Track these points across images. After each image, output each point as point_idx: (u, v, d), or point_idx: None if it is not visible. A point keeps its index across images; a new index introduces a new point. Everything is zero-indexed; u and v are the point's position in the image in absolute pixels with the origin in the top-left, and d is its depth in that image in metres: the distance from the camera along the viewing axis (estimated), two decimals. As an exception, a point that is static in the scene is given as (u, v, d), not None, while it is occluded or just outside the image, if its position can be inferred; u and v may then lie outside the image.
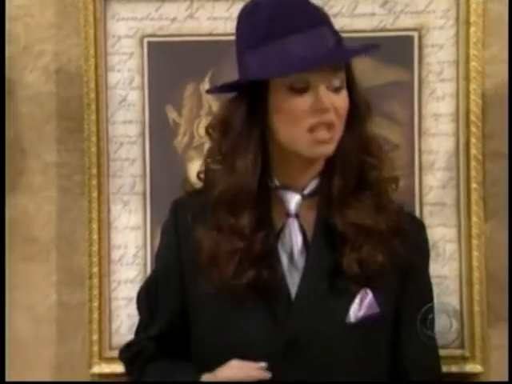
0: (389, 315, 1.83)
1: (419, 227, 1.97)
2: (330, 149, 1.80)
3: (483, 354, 2.30)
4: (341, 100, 1.79)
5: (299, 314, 1.79)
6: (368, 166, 1.86)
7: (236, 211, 1.81)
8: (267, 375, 1.74)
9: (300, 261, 1.82)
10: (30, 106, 2.44)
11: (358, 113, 1.84)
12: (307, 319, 1.77)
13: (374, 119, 1.93)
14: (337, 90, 1.78)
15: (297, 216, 1.83)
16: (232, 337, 1.80)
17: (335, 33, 1.84)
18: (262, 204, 1.83)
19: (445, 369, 2.12)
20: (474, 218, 2.28)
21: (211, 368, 1.75)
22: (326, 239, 1.82)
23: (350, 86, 1.84)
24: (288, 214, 1.82)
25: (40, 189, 2.41)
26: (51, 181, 2.41)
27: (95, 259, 2.23)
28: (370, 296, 1.79)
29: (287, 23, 1.81)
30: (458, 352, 2.27)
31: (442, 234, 2.27)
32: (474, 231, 2.28)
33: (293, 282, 1.80)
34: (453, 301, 2.36)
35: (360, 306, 1.79)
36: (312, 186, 1.82)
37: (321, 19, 1.84)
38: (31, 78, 2.43)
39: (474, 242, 2.27)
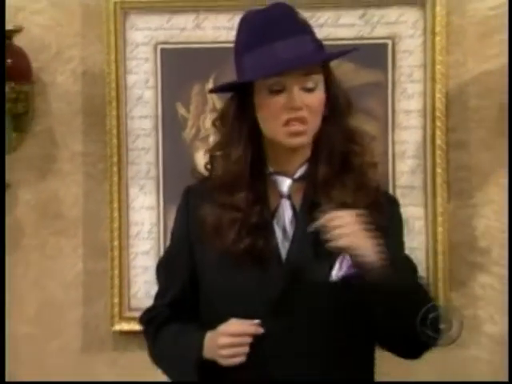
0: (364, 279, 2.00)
1: (393, 202, 2.14)
2: (303, 139, 1.97)
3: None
4: (313, 99, 1.96)
5: (289, 273, 1.95)
6: (352, 153, 2.01)
7: (234, 191, 1.98)
8: (260, 330, 1.89)
9: (291, 233, 2.00)
10: (60, 103, 2.70)
11: (337, 108, 1.99)
12: (295, 278, 1.94)
13: (355, 114, 2.04)
14: (310, 91, 1.94)
15: (289, 197, 2.00)
16: (232, 295, 1.96)
17: (315, 40, 2.00)
18: (259, 187, 2.00)
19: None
20: (439, 199, 2.53)
21: (216, 327, 1.90)
22: (311, 215, 1.92)
23: (329, 85, 1.99)
24: (281, 195, 1.97)
25: (68, 174, 2.68)
26: (78, 167, 2.69)
27: (116, 234, 2.48)
28: (347, 259, 1.90)
29: (271, 32, 1.97)
30: None
31: (411, 212, 2.48)
32: (439, 210, 2.54)
33: (284, 249, 1.97)
34: (420, 270, 2.56)
35: (340, 268, 1.91)
36: (301, 171, 1.98)
37: (302, 29, 2.01)
38: (61, 80, 2.69)
39: (439, 219, 2.54)
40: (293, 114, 1.92)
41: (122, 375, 2.61)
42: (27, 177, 2.73)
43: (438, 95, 2.59)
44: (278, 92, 1.92)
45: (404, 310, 1.93)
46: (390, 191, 2.53)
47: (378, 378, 2.10)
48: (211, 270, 2.00)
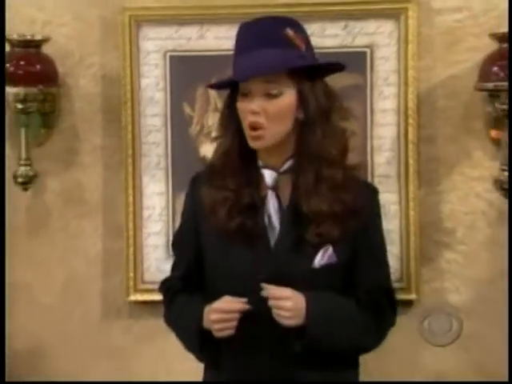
0: (344, 263, 2.18)
1: (372, 194, 2.31)
2: (262, 143, 2.11)
3: (416, 286, 2.73)
4: (274, 105, 2.08)
5: (276, 259, 2.12)
6: (329, 159, 2.14)
7: (226, 176, 2.15)
8: (247, 307, 2.07)
9: (276, 223, 2.16)
10: (82, 103, 2.89)
11: (310, 114, 2.11)
12: (282, 263, 2.12)
13: (345, 118, 2.21)
14: (273, 97, 2.08)
15: (274, 188, 2.15)
16: (227, 273, 2.16)
17: (290, 52, 2.12)
18: (252, 176, 2.18)
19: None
20: (411, 186, 2.73)
21: (216, 299, 2.10)
22: (296, 213, 2.14)
23: (301, 93, 2.12)
24: (268, 187, 2.15)
25: (89, 165, 2.88)
26: (98, 159, 2.89)
27: (131, 217, 2.71)
28: (330, 250, 2.12)
29: (252, 42, 2.15)
30: (399, 285, 2.61)
31: (387, 198, 2.65)
32: (411, 196, 2.74)
33: (273, 238, 2.14)
34: (394, 249, 2.71)
35: (323, 257, 2.13)
36: (287, 165, 2.13)
37: (278, 42, 2.14)
38: (83, 83, 2.86)
39: (411, 203, 2.74)
40: (252, 118, 2.08)
41: (137, 341, 2.81)
42: (53, 168, 2.88)
43: (410, 96, 2.77)
44: (246, 95, 2.09)
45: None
46: (369, 180, 2.73)
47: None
48: (212, 249, 2.19)
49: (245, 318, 2.10)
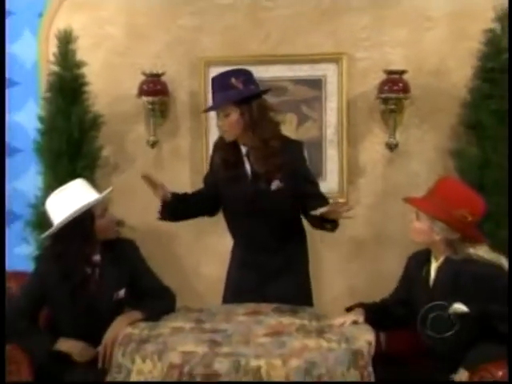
0: (287, 187, 3.22)
1: (297, 145, 3.30)
2: (229, 138, 3.21)
3: (347, 193, 4.04)
4: (227, 121, 3.15)
5: (251, 187, 3.23)
6: (268, 139, 3.17)
7: (222, 149, 3.30)
8: None
9: (249, 170, 3.23)
10: (180, 106, 4.15)
11: (249, 123, 3.15)
12: (255, 189, 3.22)
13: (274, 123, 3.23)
14: (227, 116, 3.14)
15: (246, 155, 3.23)
16: (228, 200, 3.31)
17: (235, 91, 3.13)
18: (237, 150, 3.27)
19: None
20: (344, 146, 4.09)
21: (231, 221, 3.33)
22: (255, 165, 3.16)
23: (242, 112, 3.13)
24: (243, 155, 3.23)
25: (184, 137, 4.20)
26: (188, 134, 4.16)
27: (205, 162, 3.84)
28: (277, 181, 3.21)
29: (213, 90, 3.22)
30: (338, 194, 3.98)
31: (332, 152, 4.09)
32: (344, 151, 4.06)
33: (248, 176, 3.21)
34: (334, 177, 4.00)
35: (276, 183, 3.22)
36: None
37: (229, 86, 3.14)
38: (180, 95, 4.13)
39: (344, 155, 4.08)
40: (220, 127, 3.23)
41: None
42: (166, 137, 4.21)
43: (343, 102, 4.07)
44: (217, 114, 3.22)
45: None
46: (322, 143, 4.07)
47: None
48: (223, 188, 3.34)
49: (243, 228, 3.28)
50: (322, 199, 3.25)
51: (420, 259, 3.15)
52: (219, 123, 3.20)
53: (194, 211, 3.49)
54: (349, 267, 4.18)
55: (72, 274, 3.10)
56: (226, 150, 3.31)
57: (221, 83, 3.22)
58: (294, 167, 3.26)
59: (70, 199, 3.11)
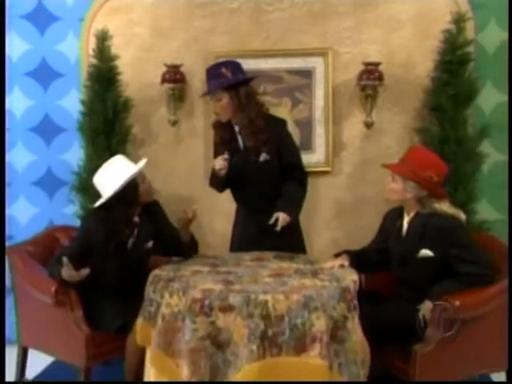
0: (275, 158, 3.26)
1: (281, 122, 3.36)
2: (223, 119, 3.26)
3: (332, 163, 4.00)
4: (219, 104, 3.21)
5: (243, 158, 3.27)
6: (256, 119, 3.22)
7: (219, 128, 3.36)
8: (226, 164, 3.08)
9: (241, 143, 3.27)
10: (193, 91, 4.05)
11: (240, 104, 3.21)
12: (246, 159, 3.26)
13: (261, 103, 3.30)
14: (218, 100, 3.21)
15: (239, 132, 3.30)
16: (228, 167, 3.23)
17: (226, 79, 3.16)
18: (232, 129, 3.32)
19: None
20: (329, 125, 4.01)
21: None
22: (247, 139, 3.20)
23: (232, 97, 3.18)
24: (237, 132, 3.30)
25: (197, 117, 4.12)
26: (201, 115, 4.09)
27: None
28: (265, 154, 3.27)
29: (208, 78, 3.26)
30: (325, 165, 4.00)
31: (320, 130, 4.01)
32: (330, 129, 4.00)
33: (240, 148, 3.25)
34: (323, 147, 3.95)
35: (264, 156, 3.28)
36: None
37: (220, 75, 3.18)
38: (194, 83, 4.04)
39: (330, 131, 3.99)
40: (214, 109, 3.31)
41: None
42: (184, 117, 4.11)
43: (329, 88, 4.01)
44: (211, 100, 3.30)
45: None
46: (312, 122, 3.98)
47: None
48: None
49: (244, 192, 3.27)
50: (299, 169, 3.33)
51: (394, 214, 3.23)
52: (212, 107, 3.24)
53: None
54: (333, 223, 4.21)
55: (117, 234, 3.12)
56: (223, 130, 3.34)
57: (213, 72, 3.23)
58: (278, 141, 3.28)
59: (116, 171, 3.13)
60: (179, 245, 3.26)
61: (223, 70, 3.19)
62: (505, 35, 3.91)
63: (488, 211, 3.96)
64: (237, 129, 3.31)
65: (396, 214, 3.21)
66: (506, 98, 3.90)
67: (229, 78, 3.19)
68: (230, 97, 3.17)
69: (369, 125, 4.03)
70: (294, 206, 3.27)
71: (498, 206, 3.97)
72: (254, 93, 3.30)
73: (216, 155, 3.41)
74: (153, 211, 3.28)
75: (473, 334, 2.85)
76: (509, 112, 3.84)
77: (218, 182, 3.37)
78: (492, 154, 3.99)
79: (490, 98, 3.94)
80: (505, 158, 4.00)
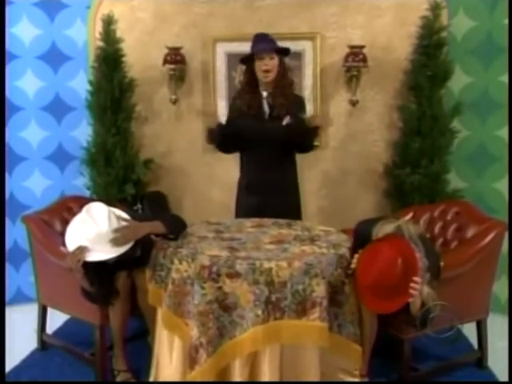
0: (293, 124, 3.07)
1: (300, 98, 3.29)
2: (268, 79, 3.08)
3: (320, 138, 3.68)
4: (273, 62, 3.06)
5: (268, 123, 3.13)
6: (288, 86, 3.17)
7: (247, 94, 3.18)
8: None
9: (267, 109, 3.14)
10: (193, 71, 3.86)
11: (282, 69, 3.13)
12: (270, 125, 3.12)
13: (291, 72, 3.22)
14: (271, 59, 3.05)
15: (266, 97, 3.14)
16: (247, 129, 3.13)
17: (275, 44, 3.10)
18: (258, 94, 3.16)
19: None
20: (318, 102, 3.79)
21: (248, 149, 3.13)
22: (273, 106, 3.08)
23: (280, 60, 3.09)
24: (263, 97, 3.14)
25: (196, 95, 3.92)
26: (199, 93, 3.90)
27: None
28: (288, 118, 3.12)
29: (259, 40, 3.11)
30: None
31: (309, 107, 3.59)
32: (318, 107, 3.78)
33: (266, 114, 3.12)
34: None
35: (286, 119, 3.12)
36: (270, 89, 3.08)
37: (270, 40, 3.13)
38: (194, 64, 3.84)
39: (317, 108, 3.77)
40: (264, 67, 3.08)
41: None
42: (184, 95, 3.91)
43: (317, 69, 3.81)
44: (261, 59, 3.07)
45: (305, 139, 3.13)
46: (304, 98, 3.48)
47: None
48: (244, 123, 3.16)
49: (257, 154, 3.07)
50: (308, 134, 3.19)
51: None
52: (263, 64, 3.06)
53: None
54: (320, 192, 4.04)
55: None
56: (251, 95, 3.17)
57: (265, 37, 3.12)
58: (297, 111, 3.18)
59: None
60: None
61: (270, 38, 3.13)
62: (471, 23, 3.75)
63: (457, 181, 3.86)
64: (264, 94, 3.16)
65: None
66: (471, 79, 3.78)
67: (277, 46, 3.13)
68: (278, 59, 3.08)
69: (353, 103, 3.84)
70: (302, 124, 3.16)
71: (463, 177, 3.87)
72: (288, 68, 3.26)
73: (229, 122, 3.27)
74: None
75: (452, 289, 2.65)
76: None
77: (222, 136, 3.22)
78: (460, 130, 3.82)
79: (458, 80, 3.80)
80: (469, 133, 3.86)
